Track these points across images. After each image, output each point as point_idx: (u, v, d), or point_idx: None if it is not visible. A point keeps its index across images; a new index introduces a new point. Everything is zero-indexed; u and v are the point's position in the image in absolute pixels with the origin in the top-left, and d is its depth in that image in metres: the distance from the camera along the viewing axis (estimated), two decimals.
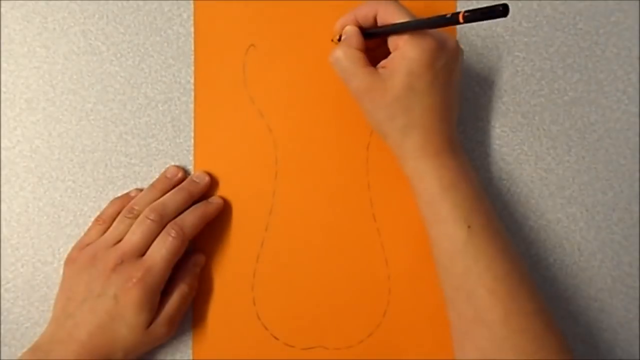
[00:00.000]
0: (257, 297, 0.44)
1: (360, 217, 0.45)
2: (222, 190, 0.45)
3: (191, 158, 0.45)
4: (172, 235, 0.41)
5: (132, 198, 0.44)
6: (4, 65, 0.45)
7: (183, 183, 0.44)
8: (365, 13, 0.40)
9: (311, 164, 0.45)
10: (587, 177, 0.45)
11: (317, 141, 0.45)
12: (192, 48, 0.45)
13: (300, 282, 0.44)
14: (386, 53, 0.40)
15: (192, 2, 0.45)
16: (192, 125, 0.45)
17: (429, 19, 0.36)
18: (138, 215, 0.42)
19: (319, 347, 0.44)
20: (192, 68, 0.45)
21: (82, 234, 0.44)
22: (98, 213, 0.44)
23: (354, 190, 0.45)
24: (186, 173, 0.45)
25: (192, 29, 0.45)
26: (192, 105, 0.45)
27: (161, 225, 0.41)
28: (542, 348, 0.36)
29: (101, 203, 0.45)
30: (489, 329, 0.36)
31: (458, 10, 0.45)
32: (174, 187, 0.44)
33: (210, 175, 0.44)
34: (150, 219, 0.41)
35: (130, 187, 0.45)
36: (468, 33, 0.45)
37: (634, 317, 0.44)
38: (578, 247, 0.45)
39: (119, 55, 0.46)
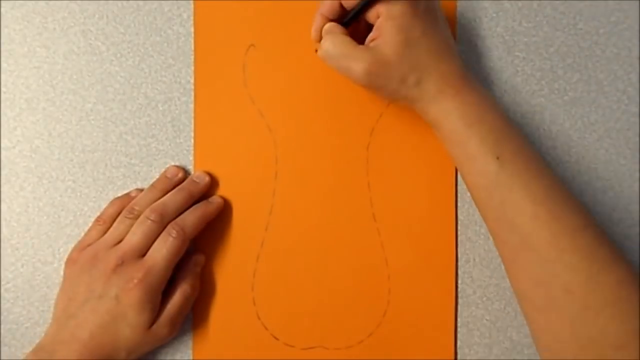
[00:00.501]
0: (257, 297, 0.44)
1: (360, 217, 0.45)
2: (222, 190, 0.45)
3: (191, 158, 0.45)
4: (173, 235, 0.41)
5: (133, 198, 0.44)
6: (4, 65, 0.45)
7: (183, 183, 0.44)
8: (329, 7, 0.40)
9: (311, 164, 0.45)
10: (587, 177, 0.45)
11: (317, 141, 0.45)
12: (192, 48, 0.45)
13: (300, 282, 0.44)
14: (369, 30, 0.40)
15: (192, 2, 0.45)
16: (192, 125, 0.45)
17: None
18: (138, 216, 0.42)
19: (319, 347, 0.44)
20: (192, 68, 0.45)
21: (82, 234, 0.44)
22: (98, 213, 0.44)
23: (354, 190, 0.45)
24: (186, 173, 0.45)
25: (192, 29, 0.45)
26: (192, 105, 0.45)
27: (162, 225, 0.41)
28: (595, 262, 0.35)
29: (101, 203, 0.45)
30: (537, 253, 0.36)
31: (458, 10, 0.45)
32: (174, 187, 0.44)
33: (210, 175, 0.44)
34: (150, 220, 0.41)
35: (130, 187, 0.45)
36: (468, 33, 0.45)
37: None
38: None
39: (119, 55, 0.46)
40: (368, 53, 0.39)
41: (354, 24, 0.41)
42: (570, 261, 0.35)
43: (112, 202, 0.44)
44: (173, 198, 0.42)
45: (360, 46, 0.39)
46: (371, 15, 0.39)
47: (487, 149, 0.37)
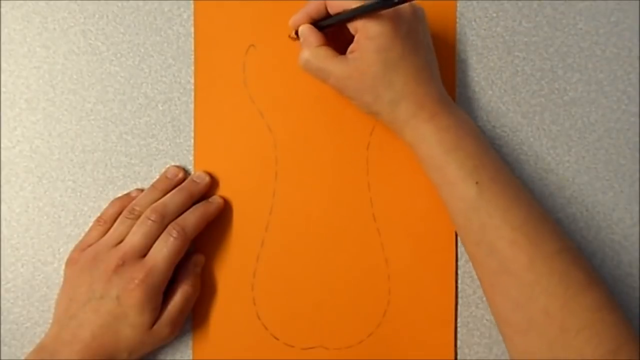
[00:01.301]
0: (257, 297, 0.44)
1: (360, 217, 0.45)
2: (222, 190, 0.45)
3: (191, 158, 0.45)
4: (174, 235, 0.41)
5: (133, 198, 0.44)
6: (4, 65, 0.45)
7: (183, 183, 0.44)
8: (316, 7, 0.41)
9: (311, 164, 0.45)
10: (587, 177, 0.45)
11: (317, 141, 0.45)
12: (192, 48, 0.45)
13: (300, 282, 0.44)
14: (351, 34, 0.40)
15: (192, 2, 0.45)
16: (192, 125, 0.45)
17: (376, 3, 0.36)
18: (139, 216, 0.42)
19: (319, 347, 0.44)
20: (192, 68, 0.45)
21: (83, 234, 0.44)
22: (98, 213, 0.44)
23: (354, 190, 0.45)
24: (186, 173, 0.45)
25: (192, 29, 0.45)
26: (192, 105, 0.45)
27: (162, 225, 0.41)
28: (571, 286, 0.35)
29: (101, 203, 0.45)
30: (515, 277, 0.36)
31: (458, 10, 0.45)
32: (174, 187, 0.44)
33: (210, 175, 0.44)
34: (151, 220, 0.41)
35: (130, 187, 0.45)
36: (468, 33, 0.45)
37: (634, 317, 0.44)
38: (578, 247, 0.45)
39: (119, 55, 0.46)
40: (345, 66, 0.39)
41: (339, 27, 0.41)
42: (547, 285, 0.35)
43: (112, 203, 0.44)
44: (173, 198, 0.42)
45: (338, 58, 0.40)
46: (351, 27, 0.39)
47: (465, 175, 0.38)
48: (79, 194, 0.45)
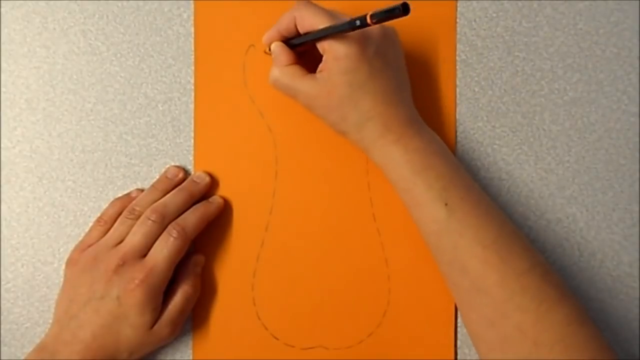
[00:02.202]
0: (257, 297, 0.44)
1: (360, 217, 0.45)
2: (222, 190, 0.45)
3: (191, 158, 0.45)
4: (174, 235, 0.41)
5: (133, 199, 0.44)
6: (4, 65, 0.45)
7: (183, 183, 0.44)
8: (286, 24, 0.41)
9: (311, 164, 0.45)
10: (587, 177, 0.45)
11: (317, 141, 0.45)
12: (192, 48, 0.45)
13: (300, 282, 0.44)
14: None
15: (192, 2, 0.45)
16: (192, 125, 0.45)
17: (341, 25, 0.36)
18: (139, 216, 0.42)
19: (319, 347, 0.44)
20: (192, 68, 0.45)
21: (83, 234, 0.44)
22: (98, 213, 0.44)
23: (354, 190, 0.45)
24: (186, 173, 0.45)
25: (192, 29, 0.45)
26: (192, 105, 0.45)
27: (162, 225, 0.41)
28: (543, 302, 0.36)
29: (101, 203, 0.45)
30: (488, 295, 0.36)
31: (458, 10, 0.45)
32: (174, 187, 0.44)
33: (210, 175, 0.44)
34: (151, 220, 0.41)
35: (130, 187, 0.45)
36: (468, 33, 0.45)
37: (634, 317, 0.44)
38: (578, 247, 0.45)
39: (119, 55, 0.46)
40: (313, 86, 0.39)
41: (310, 45, 0.41)
42: (520, 302, 0.36)
43: (112, 203, 0.44)
44: (173, 198, 0.42)
45: (306, 77, 0.40)
46: (320, 47, 0.39)
47: (435, 196, 0.38)
48: (79, 194, 0.45)
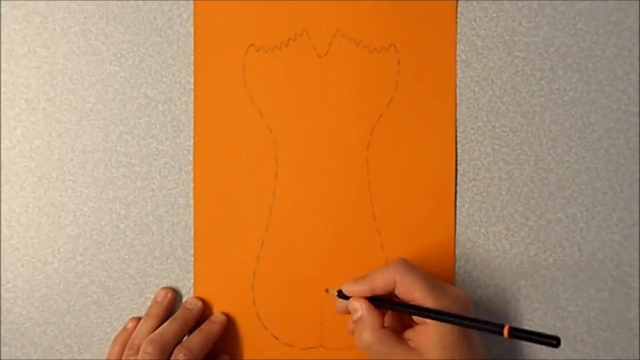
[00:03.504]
0: (257, 297, 0.44)
1: (360, 217, 0.45)
2: (223, 191, 0.45)
3: (191, 158, 0.45)
4: (181, 358, 0.40)
5: (131, 331, 0.43)
6: (4, 65, 0.45)
7: (177, 312, 0.43)
8: (384, 285, 0.38)
9: (311, 164, 0.45)
10: (587, 177, 0.45)
11: (317, 141, 0.45)
12: (192, 48, 0.45)
13: (300, 282, 0.44)
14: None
15: (192, 2, 0.45)
16: (192, 125, 0.45)
17: (469, 319, 0.35)
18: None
19: (319, 347, 0.44)
20: (192, 68, 0.45)
21: (83, 234, 0.44)
22: (98, 213, 0.44)
23: (354, 190, 0.45)
24: (175, 292, 0.44)
25: (192, 29, 0.45)
26: (192, 105, 0.45)
27: (162, 356, 0.41)
28: None
29: (101, 203, 0.45)
30: None
31: (458, 10, 0.45)
32: (167, 310, 0.44)
33: (202, 300, 0.44)
34: (148, 353, 0.40)
35: (130, 187, 0.45)
36: (468, 33, 0.45)
37: (634, 317, 0.44)
38: (578, 247, 0.45)
39: (119, 55, 0.46)
40: (406, 353, 0.37)
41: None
42: None
43: (113, 341, 0.44)
44: (169, 328, 0.42)
45: (400, 344, 0.38)
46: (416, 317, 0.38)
47: None
48: (79, 194, 0.45)
